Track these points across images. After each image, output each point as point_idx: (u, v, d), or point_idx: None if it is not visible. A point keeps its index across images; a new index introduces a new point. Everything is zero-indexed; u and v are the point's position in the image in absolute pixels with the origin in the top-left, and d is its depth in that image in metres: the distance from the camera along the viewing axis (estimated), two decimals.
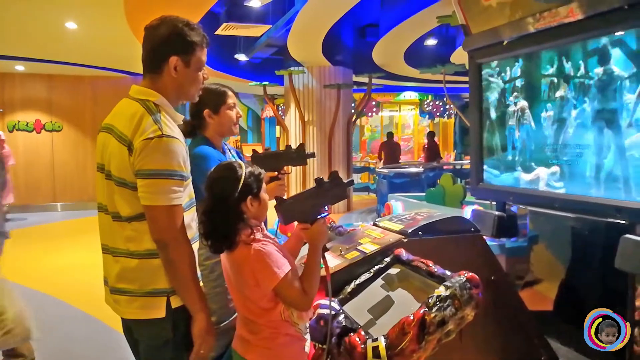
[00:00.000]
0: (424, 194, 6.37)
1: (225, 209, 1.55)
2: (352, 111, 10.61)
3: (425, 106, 16.67)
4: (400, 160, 12.45)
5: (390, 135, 12.99)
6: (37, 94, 10.78)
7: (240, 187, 1.55)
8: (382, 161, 12.06)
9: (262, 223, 1.68)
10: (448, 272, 1.90)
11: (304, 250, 1.72)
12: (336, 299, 2.01)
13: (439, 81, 11.00)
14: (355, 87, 10.62)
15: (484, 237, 2.42)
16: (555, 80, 2.45)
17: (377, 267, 2.17)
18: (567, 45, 2.35)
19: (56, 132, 10.95)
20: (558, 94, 2.44)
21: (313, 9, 6.85)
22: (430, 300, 1.72)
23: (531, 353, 2.31)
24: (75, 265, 6.15)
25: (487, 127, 2.96)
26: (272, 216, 1.76)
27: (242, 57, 10.68)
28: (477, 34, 2.87)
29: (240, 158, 2.32)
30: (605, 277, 2.39)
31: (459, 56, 8.98)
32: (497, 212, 2.88)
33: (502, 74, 2.80)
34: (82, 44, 8.15)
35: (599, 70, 2.19)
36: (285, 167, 2.25)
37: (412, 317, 1.68)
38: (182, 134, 1.65)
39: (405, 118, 17.84)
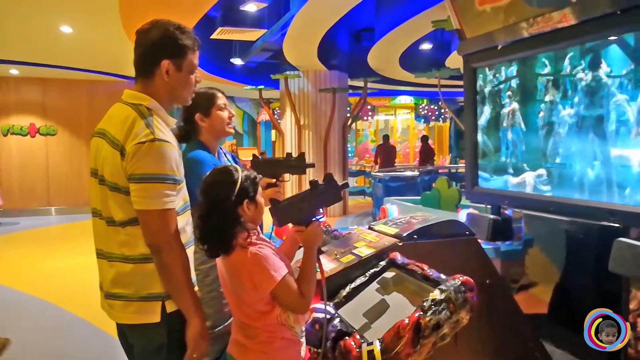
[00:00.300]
0: (419, 197, 6.37)
1: (221, 213, 1.53)
2: (348, 115, 10.65)
3: (421, 110, 16.75)
4: (395, 164, 12.49)
5: (386, 138, 13.00)
6: (32, 98, 10.76)
7: (236, 190, 1.55)
8: (378, 165, 12.08)
9: (258, 227, 1.67)
10: (443, 276, 1.90)
11: (299, 254, 1.72)
12: (331, 303, 2.01)
13: (434, 85, 11.07)
14: (350, 91, 10.65)
15: (479, 240, 2.42)
16: (547, 83, 2.47)
17: (372, 270, 2.16)
18: (561, 50, 2.37)
19: (51, 136, 10.93)
20: (548, 97, 2.45)
21: (308, 13, 6.87)
22: (425, 304, 1.72)
23: (526, 356, 2.31)
24: (70, 270, 6.13)
25: (481, 130, 2.97)
26: (267, 220, 1.76)
27: (237, 61, 10.71)
28: (471, 39, 2.88)
29: (235, 162, 2.31)
30: (600, 280, 2.40)
31: (454, 60, 9.04)
32: (492, 216, 2.89)
33: (497, 75, 2.82)
34: (77, 48, 8.14)
35: (588, 75, 2.21)
36: (283, 175, 2.24)
37: (407, 321, 1.68)
38: (175, 138, 1.65)
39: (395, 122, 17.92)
